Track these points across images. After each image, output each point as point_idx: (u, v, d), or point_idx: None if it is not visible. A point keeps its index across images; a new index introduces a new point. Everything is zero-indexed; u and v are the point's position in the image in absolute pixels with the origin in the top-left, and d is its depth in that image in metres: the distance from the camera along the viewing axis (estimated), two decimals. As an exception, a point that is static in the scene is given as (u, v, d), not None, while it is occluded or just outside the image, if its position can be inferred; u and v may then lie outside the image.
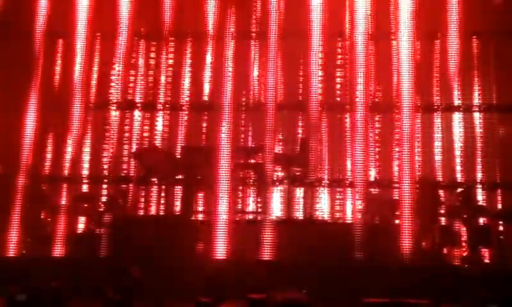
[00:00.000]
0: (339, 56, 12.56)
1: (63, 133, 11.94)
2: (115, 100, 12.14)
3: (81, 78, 12.04)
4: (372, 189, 11.64)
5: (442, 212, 11.11)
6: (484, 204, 11.25)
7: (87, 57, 12.17)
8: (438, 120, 11.94)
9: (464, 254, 10.58)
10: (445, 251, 10.82)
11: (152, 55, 12.76)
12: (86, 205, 11.61)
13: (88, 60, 12.20)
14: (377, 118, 12.23)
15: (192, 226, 11.02)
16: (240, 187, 12.14)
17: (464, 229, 10.72)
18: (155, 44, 12.71)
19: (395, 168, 11.56)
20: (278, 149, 12.09)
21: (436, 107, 11.93)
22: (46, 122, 12.11)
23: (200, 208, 11.23)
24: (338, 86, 12.43)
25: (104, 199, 11.51)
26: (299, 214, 11.76)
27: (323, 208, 11.88)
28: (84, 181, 12.06)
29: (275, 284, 8.67)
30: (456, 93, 11.49)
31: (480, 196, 11.35)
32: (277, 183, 11.69)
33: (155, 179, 11.61)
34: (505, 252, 10.47)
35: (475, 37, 12.06)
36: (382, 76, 12.12)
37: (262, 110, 11.81)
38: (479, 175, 11.50)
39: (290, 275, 9.64)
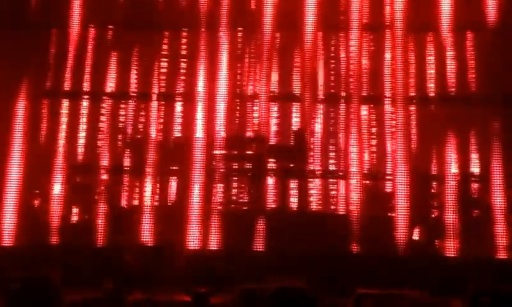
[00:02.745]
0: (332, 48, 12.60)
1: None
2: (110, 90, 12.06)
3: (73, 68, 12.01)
4: (367, 181, 11.69)
5: (435, 204, 11.18)
6: (477, 196, 11.33)
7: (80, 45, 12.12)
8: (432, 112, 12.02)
9: (457, 246, 10.64)
10: (437, 242, 10.90)
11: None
12: (81, 195, 11.61)
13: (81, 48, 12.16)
14: (370, 110, 12.26)
15: (186, 216, 11.01)
16: (234, 178, 12.16)
17: (457, 221, 10.78)
18: (149, 35, 12.63)
19: (389, 160, 11.61)
20: (273, 140, 12.10)
21: (430, 98, 11.99)
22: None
23: (194, 199, 11.20)
24: (332, 78, 12.46)
25: (99, 189, 11.47)
26: (292, 205, 11.78)
27: (317, 199, 11.92)
28: (79, 170, 12.04)
29: (269, 275, 8.72)
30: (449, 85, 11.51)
31: (473, 189, 11.44)
32: (271, 175, 11.71)
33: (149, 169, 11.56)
34: (496, 245, 10.55)
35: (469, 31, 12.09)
36: (376, 68, 12.16)
37: (257, 101, 11.87)
38: (473, 167, 11.59)
39: (283, 265, 9.69)
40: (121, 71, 12.19)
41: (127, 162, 12.19)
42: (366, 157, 11.86)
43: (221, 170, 11.42)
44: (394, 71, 11.59)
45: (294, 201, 11.79)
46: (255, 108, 12.15)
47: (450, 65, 11.53)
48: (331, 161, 12.21)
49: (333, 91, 12.38)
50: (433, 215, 11.19)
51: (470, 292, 7.64)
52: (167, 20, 12.23)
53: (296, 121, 12.22)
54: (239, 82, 12.45)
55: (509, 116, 11.18)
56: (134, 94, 12.25)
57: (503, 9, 11.41)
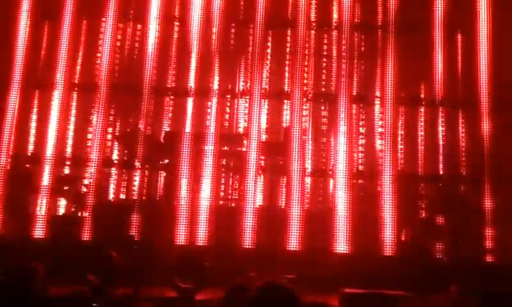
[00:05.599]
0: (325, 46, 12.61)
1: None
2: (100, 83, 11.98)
3: (65, 59, 11.94)
4: (355, 180, 11.72)
5: (423, 205, 11.23)
6: (465, 198, 11.39)
7: (71, 35, 12.05)
8: (421, 114, 12.08)
9: (444, 247, 10.70)
10: (424, 243, 10.95)
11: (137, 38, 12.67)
12: (68, 187, 11.53)
13: (72, 40, 12.08)
14: (360, 109, 12.30)
15: (174, 211, 10.97)
16: (223, 174, 12.14)
17: (444, 222, 10.84)
18: (141, 27, 12.57)
19: (379, 160, 11.66)
20: (263, 137, 12.08)
21: (420, 100, 12.05)
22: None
23: (183, 194, 11.16)
24: (323, 76, 12.48)
25: (86, 181, 11.39)
26: (281, 203, 11.78)
27: (306, 197, 11.92)
28: (67, 163, 11.96)
29: (256, 271, 8.72)
30: (439, 86, 11.57)
31: (461, 190, 11.49)
32: (260, 172, 11.70)
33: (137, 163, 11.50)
34: (484, 246, 10.63)
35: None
36: (367, 68, 12.22)
37: (248, 97, 11.87)
38: (461, 169, 11.65)
39: (271, 262, 9.69)
40: (112, 64, 12.13)
41: (115, 155, 12.21)
42: (355, 156, 11.90)
43: (210, 166, 11.37)
44: (385, 72, 11.61)
45: (282, 198, 11.79)
46: (245, 104, 12.16)
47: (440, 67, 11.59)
48: (320, 159, 12.27)
49: (323, 89, 12.40)
50: (422, 216, 11.24)
51: (457, 293, 7.72)
52: (162, 14, 12.17)
53: (286, 118, 12.24)
54: (231, 79, 12.44)
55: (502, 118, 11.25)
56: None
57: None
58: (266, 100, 12.20)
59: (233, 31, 12.67)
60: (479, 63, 11.45)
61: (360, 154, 12.05)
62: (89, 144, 11.78)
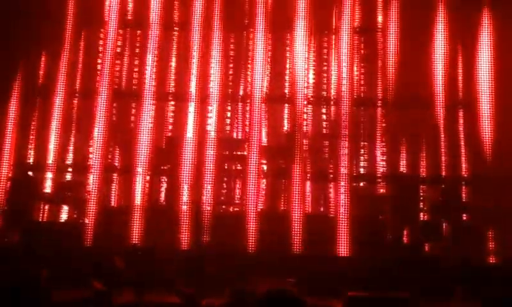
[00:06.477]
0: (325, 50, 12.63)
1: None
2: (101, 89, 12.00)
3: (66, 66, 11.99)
4: (357, 183, 11.71)
5: (424, 207, 11.20)
6: (467, 200, 11.36)
7: (72, 45, 12.10)
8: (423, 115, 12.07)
9: (446, 249, 10.68)
10: (426, 245, 10.93)
11: (138, 44, 12.71)
12: (70, 194, 11.55)
13: (73, 48, 12.12)
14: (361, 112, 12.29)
15: (176, 216, 10.98)
16: (225, 179, 12.15)
17: (446, 224, 10.83)
18: (141, 33, 12.60)
19: (380, 163, 11.65)
20: (264, 141, 12.09)
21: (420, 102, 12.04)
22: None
23: (185, 199, 11.17)
24: (324, 80, 12.48)
25: (88, 188, 11.41)
26: (283, 207, 11.78)
27: (307, 200, 11.92)
28: (69, 170, 11.98)
29: (259, 276, 8.71)
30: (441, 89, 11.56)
31: (463, 193, 11.46)
32: (262, 176, 11.70)
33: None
34: (486, 247, 10.62)
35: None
36: (367, 70, 12.22)
37: (249, 102, 11.89)
38: (463, 171, 11.63)
39: (273, 267, 9.69)
40: (113, 71, 12.15)
41: (117, 161, 12.23)
42: (356, 158, 11.90)
43: (211, 170, 11.37)
44: (385, 74, 11.62)
45: (284, 202, 11.78)
46: (246, 109, 12.18)
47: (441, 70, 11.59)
48: (322, 162, 12.25)
49: (324, 93, 12.40)
50: (423, 218, 11.21)
51: (460, 295, 7.71)
52: (161, 19, 12.20)
53: (287, 122, 12.24)
54: (231, 83, 12.45)
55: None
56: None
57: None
58: (267, 104, 12.19)
59: (233, 35, 12.66)
60: (479, 64, 11.46)
61: (361, 157, 12.03)
62: (90, 151, 11.80)
